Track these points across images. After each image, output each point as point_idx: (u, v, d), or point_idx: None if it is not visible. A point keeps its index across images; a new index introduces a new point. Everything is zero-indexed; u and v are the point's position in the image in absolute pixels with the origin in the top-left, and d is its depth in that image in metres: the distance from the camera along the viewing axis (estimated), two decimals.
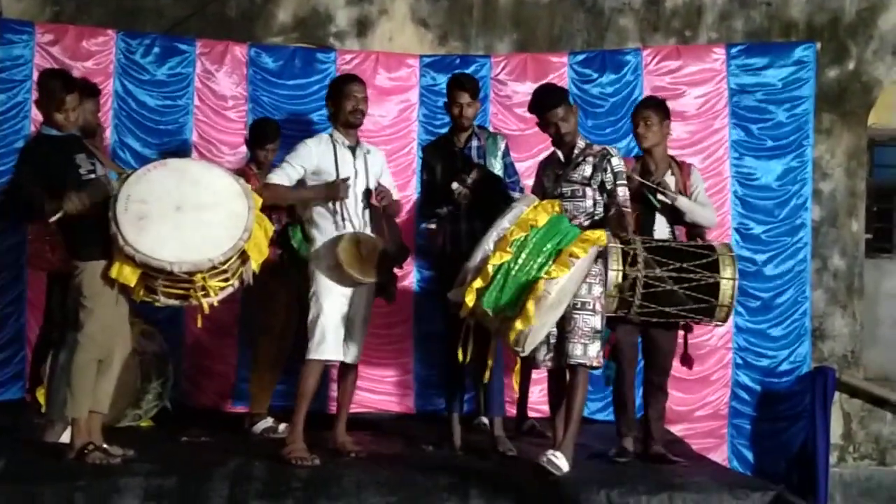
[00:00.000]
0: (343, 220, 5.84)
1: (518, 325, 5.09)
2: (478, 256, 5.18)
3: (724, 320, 5.97)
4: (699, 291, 5.78)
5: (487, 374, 5.63)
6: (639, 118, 6.20)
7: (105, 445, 5.50)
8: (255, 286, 5.97)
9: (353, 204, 5.89)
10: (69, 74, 5.79)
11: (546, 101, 5.74)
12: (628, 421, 6.21)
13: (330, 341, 5.79)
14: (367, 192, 5.96)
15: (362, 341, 6.07)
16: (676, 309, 5.79)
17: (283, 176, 5.87)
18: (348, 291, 5.87)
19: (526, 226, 5.18)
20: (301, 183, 5.92)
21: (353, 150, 5.96)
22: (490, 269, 5.11)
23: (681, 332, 6.24)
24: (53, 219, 5.31)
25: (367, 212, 5.95)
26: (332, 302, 5.81)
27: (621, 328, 5.99)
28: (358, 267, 5.71)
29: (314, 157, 5.88)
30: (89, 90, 6.36)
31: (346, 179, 5.80)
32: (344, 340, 5.90)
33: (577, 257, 5.21)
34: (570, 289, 5.31)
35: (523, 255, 5.14)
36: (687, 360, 6.36)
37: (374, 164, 6.05)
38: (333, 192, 5.79)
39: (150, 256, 5.22)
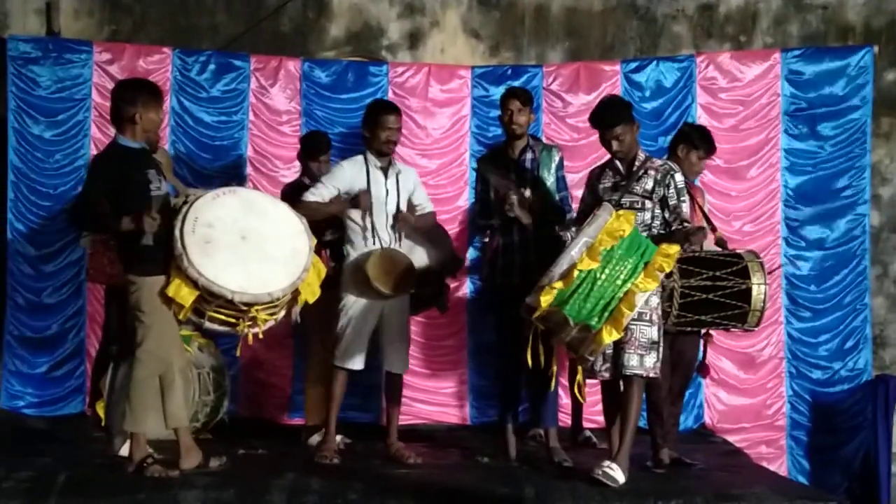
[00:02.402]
0: (373, 236, 6.08)
1: (605, 336, 5.16)
2: (564, 264, 5.17)
3: (757, 325, 5.96)
4: (732, 298, 5.76)
5: (553, 382, 5.81)
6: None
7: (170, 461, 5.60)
8: (308, 305, 6.11)
9: (384, 221, 6.11)
10: (150, 81, 5.86)
11: (604, 119, 5.77)
12: (664, 432, 6.19)
13: (353, 351, 6.08)
14: (398, 210, 6.15)
15: (405, 350, 6.27)
16: (712, 317, 5.78)
17: (317, 195, 6.13)
18: (377, 304, 6.06)
19: (615, 236, 5.22)
20: (355, 197, 6.12)
21: (384, 170, 6.18)
22: (576, 273, 5.12)
23: (701, 342, 6.26)
24: (148, 242, 5.36)
25: (398, 229, 6.15)
26: (358, 314, 6.08)
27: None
28: (385, 281, 5.92)
29: (347, 179, 6.14)
30: None
31: (367, 191, 6.05)
32: (384, 351, 6.20)
33: (664, 271, 5.29)
34: None
35: (610, 266, 5.19)
36: (704, 370, 6.39)
37: (406, 182, 6.25)
38: (356, 202, 6.06)
39: (213, 282, 5.29)
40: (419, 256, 6.24)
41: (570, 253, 5.19)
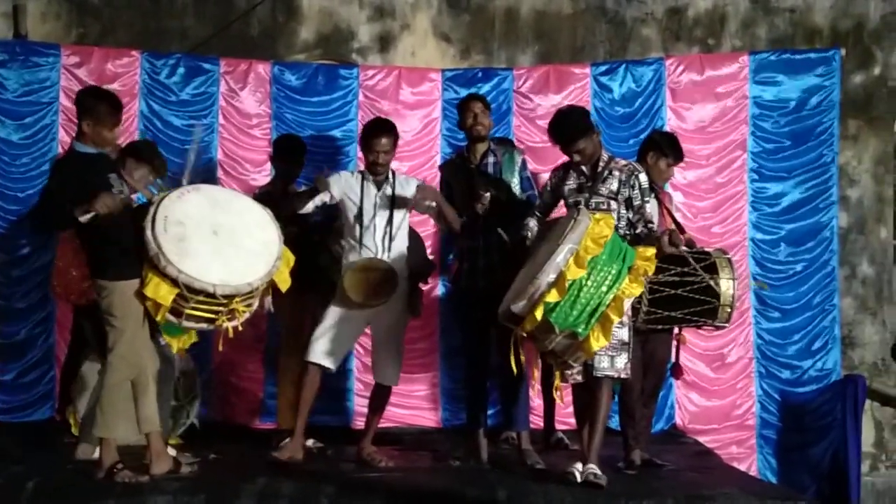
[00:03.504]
0: (362, 247, 6.09)
1: (594, 343, 5.15)
2: (550, 272, 5.09)
3: (727, 321, 5.98)
4: (702, 293, 5.80)
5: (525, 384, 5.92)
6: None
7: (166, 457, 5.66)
8: (283, 308, 6.22)
9: (372, 233, 6.12)
10: (116, 96, 5.81)
11: (563, 137, 5.77)
12: (636, 433, 6.23)
13: (320, 345, 6.05)
14: (389, 223, 6.13)
15: (396, 363, 6.25)
16: (682, 313, 5.80)
17: (310, 198, 6.16)
18: (365, 314, 6.09)
19: (599, 242, 5.16)
20: (329, 208, 6.23)
21: (378, 184, 6.17)
22: (567, 283, 5.08)
23: (674, 343, 6.29)
24: (84, 218, 5.27)
25: (387, 240, 6.13)
26: (338, 317, 6.08)
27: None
28: (360, 292, 5.96)
29: (342, 185, 6.17)
30: None
31: (324, 173, 6.15)
32: (376, 363, 6.27)
33: (647, 274, 5.31)
34: None
35: (595, 273, 5.15)
36: (677, 372, 6.41)
37: (405, 194, 6.21)
38: (316, 184, 6.10)
39: (193, 278, 5.30)
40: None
41: (555, 261, 5.10)
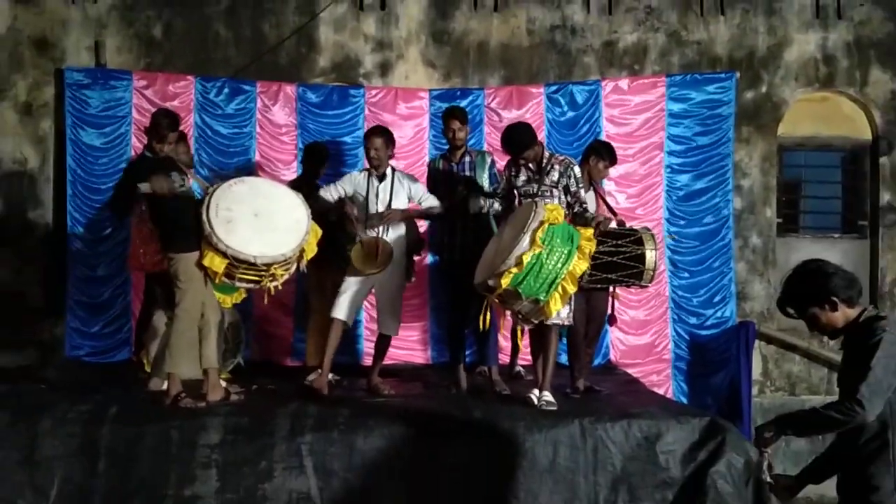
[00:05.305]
0: (367, 228, 6.06)
1: (553, 307, 5.18)
2: (516, 253, 5.10)
3: (650, 282, 5.97)
4: (631, 260, 5.80)
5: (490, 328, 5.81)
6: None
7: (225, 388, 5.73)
8: (309, 274, 6.23)
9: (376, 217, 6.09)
10: (176, 117, 5.81)
11: (514, 148, 5.79)
12: (580, 367, 6.26)
13: (341, 305, 6.02)
14: (387, 208, 6.08)
15: (396, 319, 6.21)
16: (617, 275, 5.82)
17: (330, 192, 6.16)
18: (370, 280, 6.07)
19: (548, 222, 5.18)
20: (343, 200, 6.13)
21: (381, 178, 6.12)
22: (525, 258, 5.08)
23: (609, 300, 6.32)
24: (143, 187, 5.40)
25: (386, 223, 6.06)
26: (349, 283, 6.06)
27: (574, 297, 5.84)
28: (361, 263, 5.95)
29: (352, 183, 6.16)
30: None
31: (350, 202, 6.08)
32: (378, 316, 6.28)
33: (592, 251, 5.32)
34: None
35: (552, 252, 5.14)
36: (612, 320, 6.44)
37: (402, 186, 6.16)
38: (341, 209, 6.10)
39: (238, 251, 5.32)
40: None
41: (521, 245, 5.11)
